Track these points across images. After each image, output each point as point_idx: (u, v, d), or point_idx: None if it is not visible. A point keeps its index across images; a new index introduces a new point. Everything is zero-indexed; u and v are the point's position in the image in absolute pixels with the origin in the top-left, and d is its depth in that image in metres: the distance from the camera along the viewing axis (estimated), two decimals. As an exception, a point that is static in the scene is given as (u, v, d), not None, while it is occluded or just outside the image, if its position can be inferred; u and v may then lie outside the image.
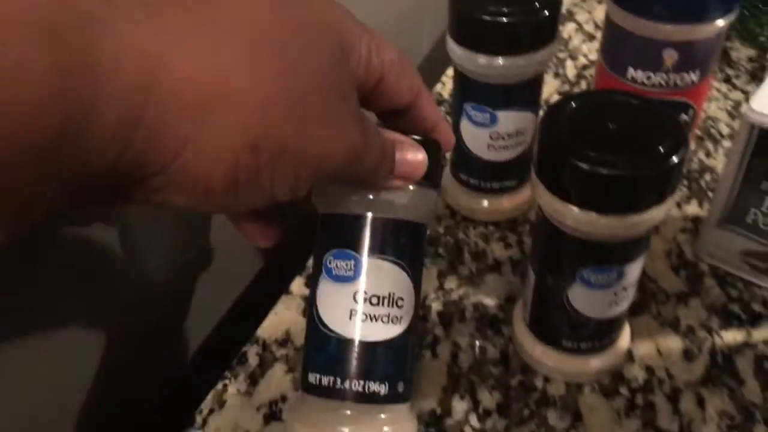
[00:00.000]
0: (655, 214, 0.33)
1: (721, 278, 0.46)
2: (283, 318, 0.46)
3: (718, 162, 0.55)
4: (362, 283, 0.32)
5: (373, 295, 0.32)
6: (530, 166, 0.49)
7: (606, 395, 0.40)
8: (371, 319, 0.32)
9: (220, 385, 0.42)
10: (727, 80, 0.63)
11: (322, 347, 0.32)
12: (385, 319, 0.32)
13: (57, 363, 0.37)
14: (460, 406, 0.40)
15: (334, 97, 0.25)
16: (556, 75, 0.65)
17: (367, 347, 0.32)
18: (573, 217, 0.33)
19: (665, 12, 0.40)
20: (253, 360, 0.43)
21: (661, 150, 0.31)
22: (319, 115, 0.24)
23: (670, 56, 0.41)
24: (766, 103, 0.40)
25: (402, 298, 0.33)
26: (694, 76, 0.42)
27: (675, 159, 0.31)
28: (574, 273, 0.36)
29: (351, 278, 0.32)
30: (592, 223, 0.33)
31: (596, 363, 0.40)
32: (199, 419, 0.40)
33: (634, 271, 0.36)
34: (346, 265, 0.32)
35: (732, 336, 0.43)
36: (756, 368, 0.41)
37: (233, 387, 0.42)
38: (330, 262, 0.32)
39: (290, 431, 0.33)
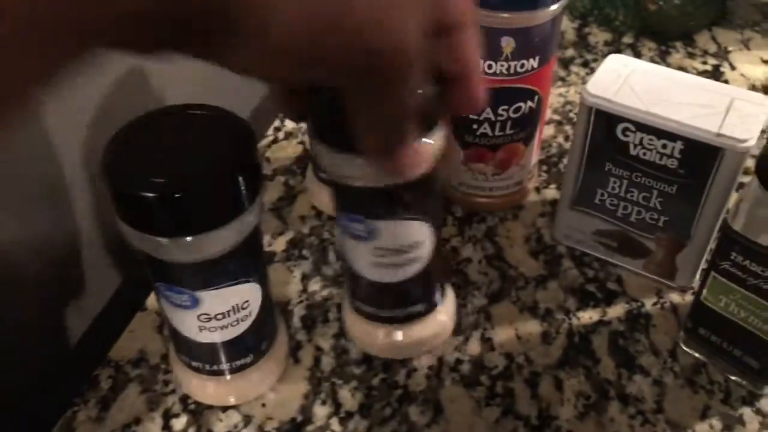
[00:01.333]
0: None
1: (578, 259, 0.47)
2: (137, 336, 0.43)
3: (577, 145, 0.56)
4: (202, 309, 0.35)
5: (217, 314, 0.35)
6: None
7: (466, 385, 0.40)
8: (221, 328, 0.36)
9: (69, 413, 0.40)
10: (585, 64, 0.64)
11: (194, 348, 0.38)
12: (234, 323, 0.36)
13: None
14: (321, 411, 0.39)
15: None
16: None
17: (225, 344, 0.37)
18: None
19: (499, 1, 0.40)
20: (105, 383, 0.41)
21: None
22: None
23: (508, 44, 0.41)
24: (601, 86, 0.41)
25: (247, 301, 0.36)
26: (534, 62, 0.43)
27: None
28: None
29: (190, 307, 0.34)
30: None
31: (415, 333, 0.41)
32: (44, 452, 0.38)
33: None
34: (180, 297, 0.34)
35: (588, 315, 0.44)
36: (610, 346, 0.42)
37: (83, 413, 0.40)
38: (166, 291, 0.35)
39: None
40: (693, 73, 0.44)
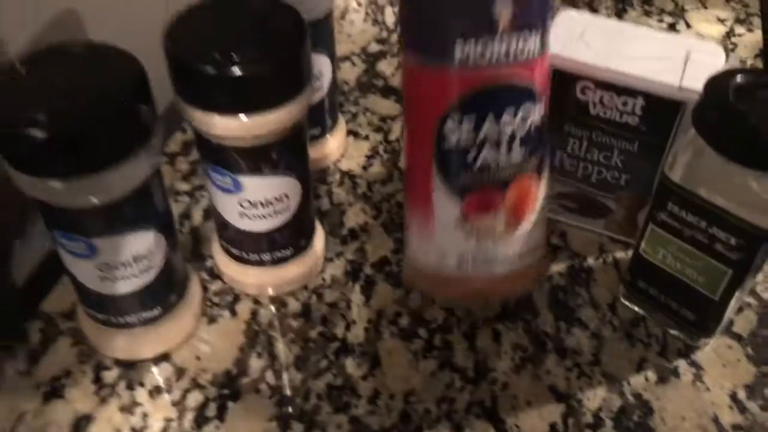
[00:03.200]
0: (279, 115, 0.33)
1: (524, 214, 0.47)
2: (71, 289, 0.42)
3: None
4: (100, 258, 0.34)
5: (117, 263, 0.34)
6: (330, 114, 0.48)
7: (404, 338, 0.40)
8: (123, 278, 0.35)
9: (-4, 367, 0.39)
10: (542, 21, 0.63)
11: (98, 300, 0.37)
12: (136, 274, 0.34)
13: None
14: (256, 364, 0.39)
15: None
16: (375, 22, 0.63)
17: (129, 296, 0.36)
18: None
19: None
20: (35, 336, 0.40)
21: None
22: None
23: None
24: (556, 45, 0.40)
25: (151, 251, 0.34)
26: (534, 43, 0.33)
27: (286, 56, 0.32)
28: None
29: (87, 256, 0.33)
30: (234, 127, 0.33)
31: (284, 274, 0.41)
32: (-32, 405, 0.37)
33: (253, 185, 0.36)
34: (77, 245, 0.33)
35: (530, 270, 0.43)
36: (550, 300, 0.42)
37: (10, 366, 0.39)
38: (61, 238, 0.34)
39: None
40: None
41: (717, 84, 0.33)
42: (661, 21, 0.63)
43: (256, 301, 0.42)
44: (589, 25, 0.41)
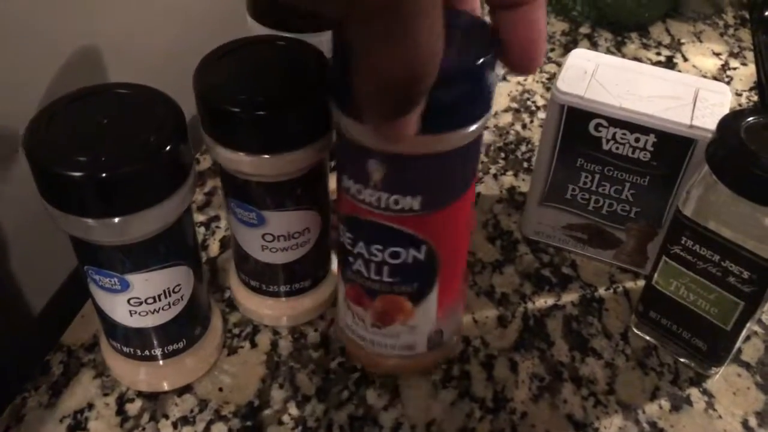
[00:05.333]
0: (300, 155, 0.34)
1: (534, 245, 0.48)
2: (91, 320, 0.43)
3: (534, 133, 0.57)
4: (132, 293, 0.34)
5: (148, 298, 0.34)
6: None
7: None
8: (153, 312, 0.35)
9: (18, 399, 0.39)
10: (543, 54, 0.65)
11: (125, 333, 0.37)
12: (166, 307, 0.35)
13: None
14: (278, 395, 0.39)
15: None
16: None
17: (157, 328, 0.36)
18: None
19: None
20: (57, 369, 0.40)
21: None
22: None
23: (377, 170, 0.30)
24: (570, 83, 0.41)
25: (179, 285, 0.35)
26: (412, 203, 0.31)
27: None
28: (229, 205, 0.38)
29: (119, 291, 0.34)
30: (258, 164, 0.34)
31: (301, 305, 0.42)
32: (-7, 439, 0.37)
33: (277, 219, 0.37)
34: (110, 281, 0.34)
35: (543, 300, 0.44)
36: (564, 329, 0.43)
37: (34, 400, 0.39)
38: (95, 275, 0.34)
39: None
40: (647, 64, 0.45)
41: (729, 124, 0.35)
42: (658, 54, 0.65)
43: (276, 332, 0.42)
44: (601, 64, 0.43)
